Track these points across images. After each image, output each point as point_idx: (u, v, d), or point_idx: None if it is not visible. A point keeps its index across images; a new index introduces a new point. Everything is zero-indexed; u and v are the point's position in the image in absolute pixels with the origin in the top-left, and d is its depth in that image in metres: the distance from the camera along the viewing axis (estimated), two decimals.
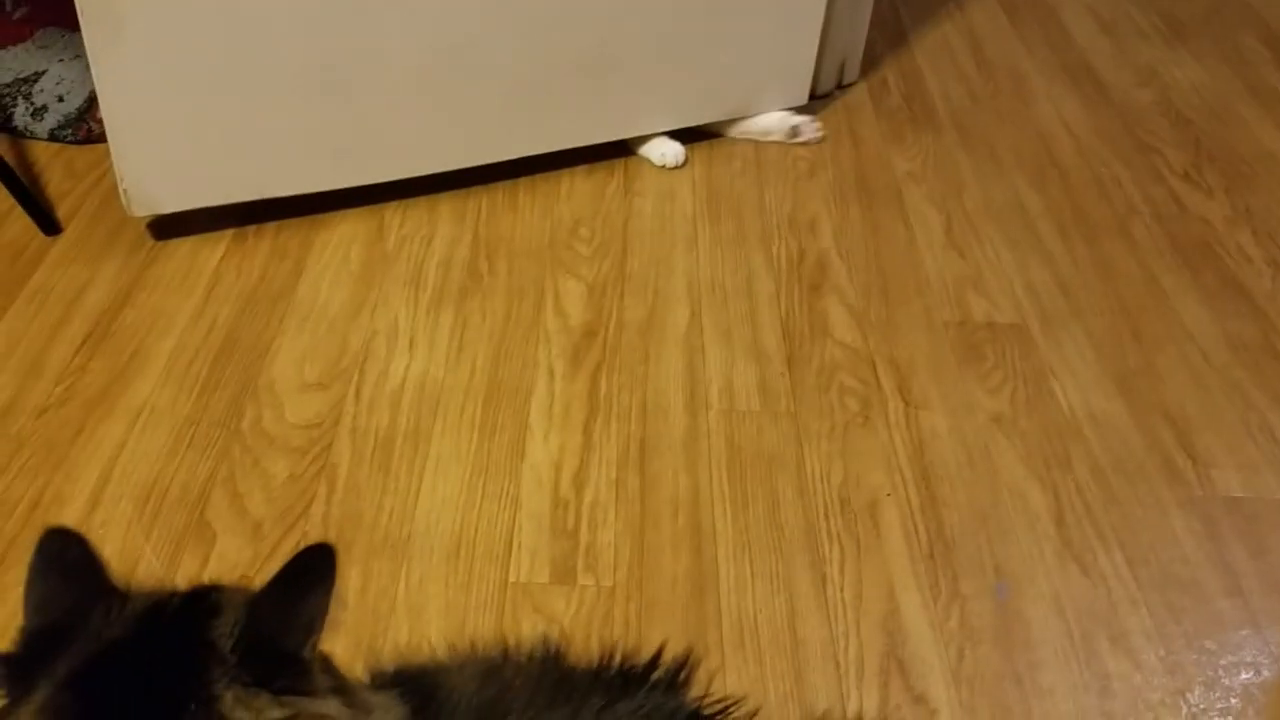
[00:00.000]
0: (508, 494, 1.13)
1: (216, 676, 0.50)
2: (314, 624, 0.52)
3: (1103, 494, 1.16)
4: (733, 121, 1.69)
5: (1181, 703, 0.97)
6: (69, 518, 1.07)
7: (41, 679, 0.51)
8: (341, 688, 0.55)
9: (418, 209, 1.53)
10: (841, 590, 1.05)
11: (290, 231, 1.46)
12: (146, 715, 0.49)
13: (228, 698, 0.50)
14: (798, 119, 1.68)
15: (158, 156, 1.35)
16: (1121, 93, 1.90)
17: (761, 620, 1.02)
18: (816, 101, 1.78)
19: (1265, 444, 1.23)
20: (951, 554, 1.09)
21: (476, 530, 1.09)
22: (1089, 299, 1.43)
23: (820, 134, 1.69)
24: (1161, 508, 1.15)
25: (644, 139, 1.64)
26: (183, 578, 1.02)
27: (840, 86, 1.83)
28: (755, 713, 0.79)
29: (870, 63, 1.90)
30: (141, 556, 1.04)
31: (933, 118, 1.79)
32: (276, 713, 0.50)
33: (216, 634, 0.52)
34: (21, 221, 1.43)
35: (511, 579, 1.04)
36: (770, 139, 1.69)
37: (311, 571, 0.53)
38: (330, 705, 0.53)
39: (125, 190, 1.36)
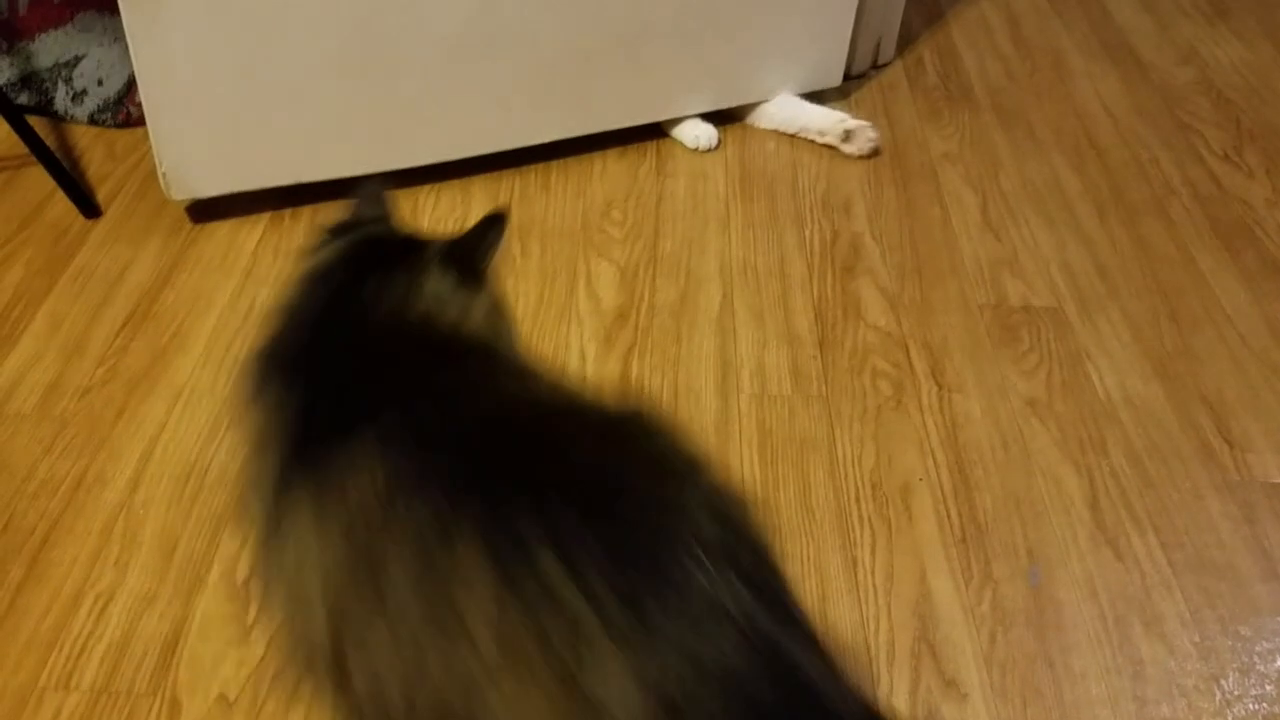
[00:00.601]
0: None
1: (426, 262, 0.78)
2: (490, 251, 0.81)
3: (1138, 478, 1.16)
4: (782, 117, 1.65)
5: (1215, 689, 0.97)
6: (111, 498, 1.09)
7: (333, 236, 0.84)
8: (498, 299, 0.82)
9: (451, 191, 1.53)
10: (872, 574, 1.05)
11: (326, 214, 1.47)
12: (383, 270, 0.78)
13: (432, 272, 0.78)
14: (855, 123, 1.61)
15: (196, 141, 1.37)
16: (1161, 71, 1.87)
17: None
18: (851, 82, 1.77)
19: None
20: (984, 538, 1.09)
21: None
22: (1126, 281, 1.41)
23: (874, 144, 1.61)
24: (1197, 492, 1.14)
25: (676, 121, 1.63)
26: (221, 559, 1.04)
27: (876, 66, 1.81)
28: None
29: (906, 41, 1.88)
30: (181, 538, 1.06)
31: (969, 97, 1.77)
32: (456, 292, 0.78)
33: (430, 250, 0.80)
34: (63, 204, 1.45)
35: None
36: (824, 140, 1.63)
37: (491, 222, 0.82)
38: (485, 301, 0.80)
39: (164, 174, 1.38)
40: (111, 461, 1.13)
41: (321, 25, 1.34)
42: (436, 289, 0.78)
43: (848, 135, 1.61)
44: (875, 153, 1.62)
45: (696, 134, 1.62)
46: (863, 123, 1.61)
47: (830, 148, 1.63)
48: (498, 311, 0.82)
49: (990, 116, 1.72)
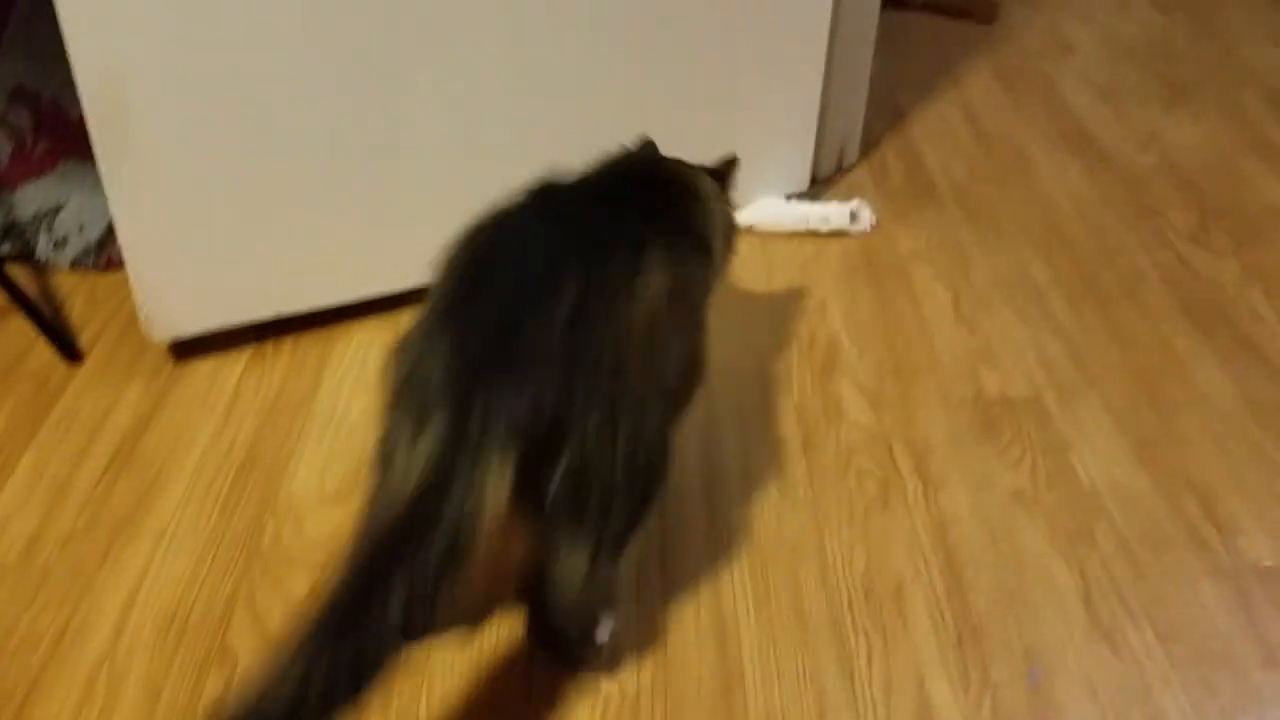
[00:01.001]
0: None
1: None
2: (732, 174, 1.22)
3: (1129, 568, 1.15)
4: (783, 217, 1.71)
5: None
6: (94, 648, 1.08)
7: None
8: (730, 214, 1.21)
9: None
10: (870, 684, 1.04)
11: (308, 343, 1.49)
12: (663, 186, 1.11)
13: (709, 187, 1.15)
14: (853, 201, 1.70)
15: (176, 280, 1.39)
16: (1123, 158, 1.92)
17: (790, 719, 1.01)
18: (818, 186, 1.80)
19: None
20: (980, 639, 1.08)
21: (497, 637, 1.08)
22: (1103, 368, 1.43)
23: (874, 216, 1.70)
24: (1190, 580, 1.14)
25: None
26: (206, 705, 1.02)
27: (841, 169, 1.85)
28: None
29: (869, 143, 1.92)
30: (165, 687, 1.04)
31: (935, 195, 1.81)
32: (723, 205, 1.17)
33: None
34: (45, 352, 1.46)
35: (534, 688, 1.04)
36: (829, 227, 1.69)
37: (731, 161, 1.23)
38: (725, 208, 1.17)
39: (145, 315, 1.39)
40: (94, 611, 1.12)
41: (298, 157, 1.37)
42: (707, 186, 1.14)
43: (854, 215, 1.68)
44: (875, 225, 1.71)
45: None
46: (857, 199, 1.70)
47: (838, 233, 1.69)
48: (729, 221, 1.19)
49: (956, 212, 1.75)
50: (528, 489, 0.82)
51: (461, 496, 0.78)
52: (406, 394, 0.87)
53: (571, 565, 0.89)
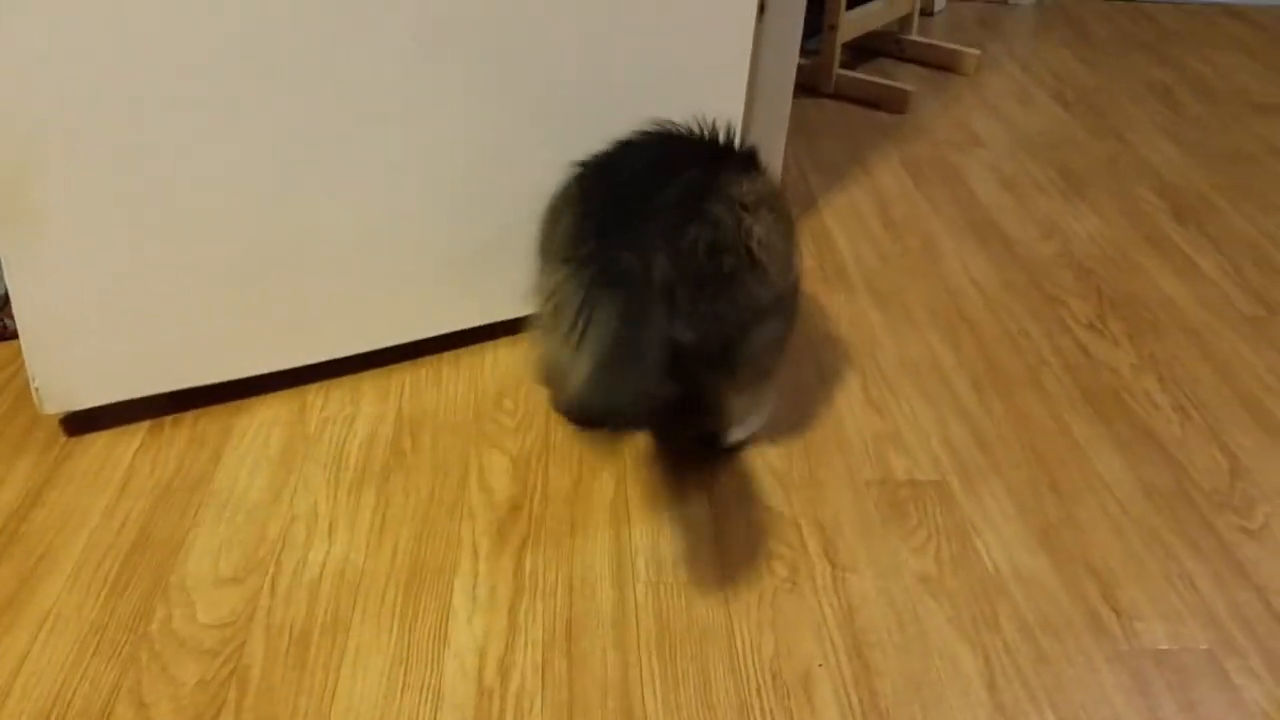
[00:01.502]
0: (429, 686, 1.09)
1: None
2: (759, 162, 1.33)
3: (1032, 653, 1.16)
4: None
5: None
6: None
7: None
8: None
9: (341, 389, 1.52)
10: None
11: (209, 419, 1.45)
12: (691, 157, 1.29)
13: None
14: None
15: (72, 352, 1.34)
16: (1026, 246, 1.98)
17: None
18: None
19: (1186, 593, 1.25)
20: None
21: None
22: (1006, 452, 1.45)
23: None
24: (1090, 664, 1.15)
25: None
26: None
27: None
28: None
29: None
30: None
31: (844, 278, 1.85)
32: (755, 184, 1.27)
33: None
34: None
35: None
36: None
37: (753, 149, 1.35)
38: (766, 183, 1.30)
39: (37, 388, 1.35)
40: None
41: (202, 235, 1.34)
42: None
43: None
44: None
45: None
46: None
47: None
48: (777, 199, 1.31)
49: (866, 297, 1.79)
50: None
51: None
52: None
53: (710, 392, 1.32)
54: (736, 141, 1.33)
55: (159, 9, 1.20)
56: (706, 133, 1.33)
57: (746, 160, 1.31)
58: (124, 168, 1.27)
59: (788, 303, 1.30)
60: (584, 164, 1.32)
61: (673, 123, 1.34)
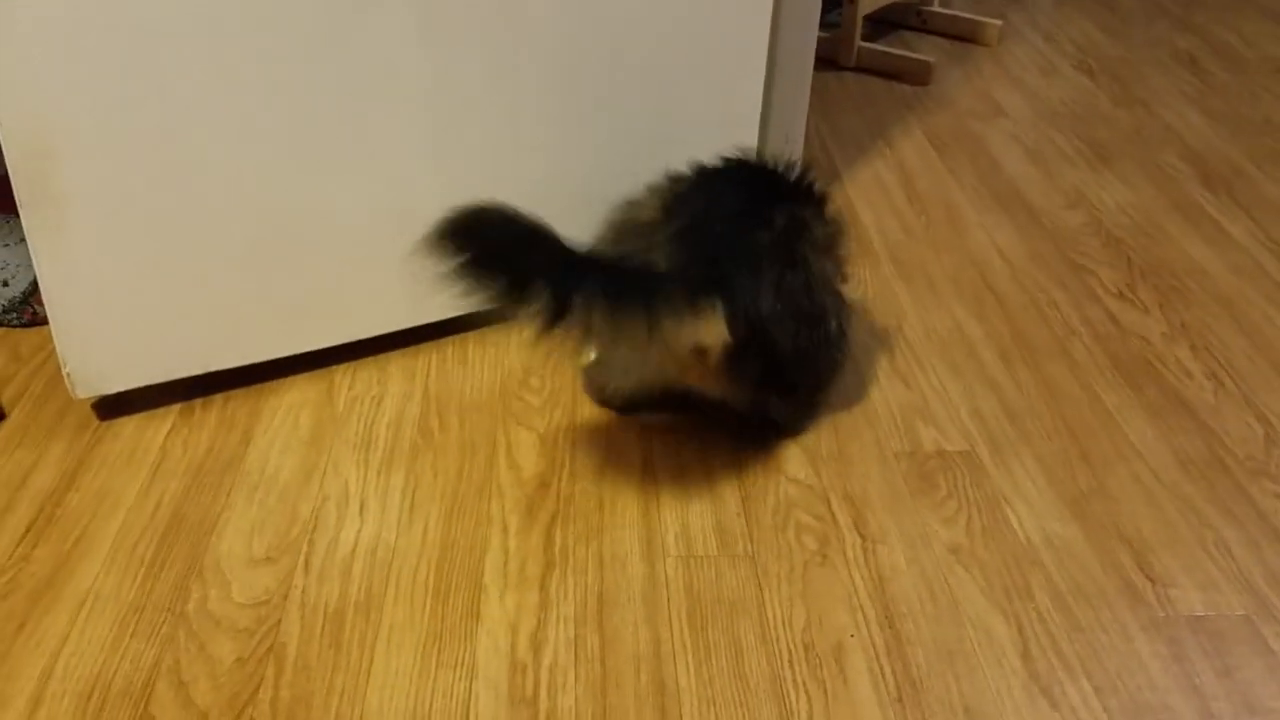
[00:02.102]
0: (463, 662, 1.10)
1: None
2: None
3: (1066, 622, 1.15)
4: None
5: None
6: None
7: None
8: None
9: (367, 369, 1.53)
10: None
11: (238, 401, 1.46)
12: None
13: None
14: None
15: (101, 337, 1.35)
16: (1051, 216, 1.96)
17: None
18: None
19: (1221, 560, 1.24)
20: (920, 696, 1.07)
21: (431, 704, 1.05)
22: (1035, 423, 1.44)
23: None
24: (1125, 632, 1.14)
25: None
26: None
27: None
28: None
29: None
30: None
31: (869, 252, 1.83)
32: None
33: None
34: None
35: None
36: None
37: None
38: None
39: (69, 373, 1.36)
40: (10, 682, 1.07)
41: (226, 219, 1.35)
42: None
43: None
44: None
45: None
46: None
47: None
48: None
49: (891, 270, 1.78)
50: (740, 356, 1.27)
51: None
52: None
53: (774, 403, 1.39)
54: (808, 178, 1.42)
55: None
56: (781, 168, 1.42)
57: (819, 201, 1.42)
58: (146, 152, 1.27)
59: (846, 330, 1.40)
60: (673, 188, 1.39)
61: (747, 156, 1.45)
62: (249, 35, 1.26)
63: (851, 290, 1.67)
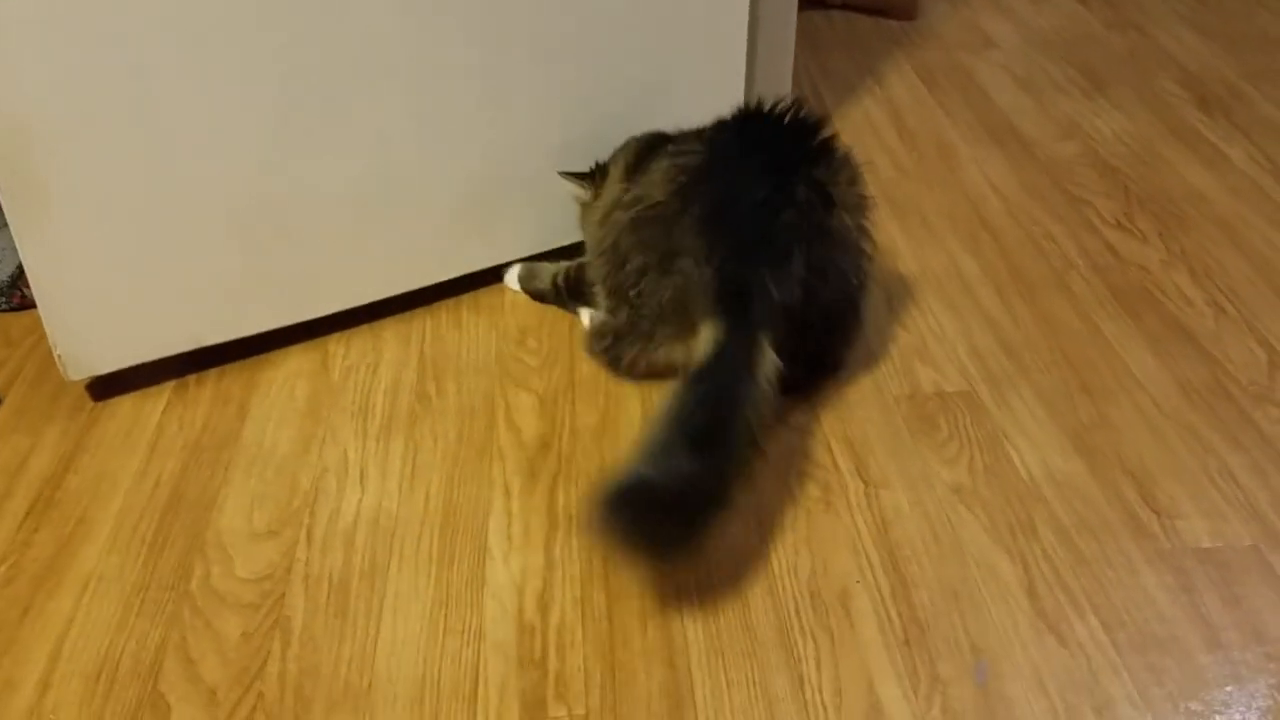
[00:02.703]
0: (470, 627, 1.10)
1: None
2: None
3: (1071, 557, 1.15)
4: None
5: None
6: (20, 704, 1.03)
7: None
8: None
9: (361, 337, 1.52)
10: (820, 690, 1.03)
11: (233, 375, 1.45)
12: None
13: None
14: None
15: (91, 318, 1.34)
16: (1046, 148, 1.94)
17: None
18: None
19: (1228, 489, 1.23)
20: (926, 637, 1.07)
21: (440, 670, 1.06)
22: (1034, 358, 1.43)
23: None
24: (1131, 565, 1.14)
25: None
26: None
27: None
28: None
29: None
30: None
31: None
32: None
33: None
34: None
35: (480, 719, 1.01)
36: None
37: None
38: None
39: (60, 356, 1.35)
40: (18, 666, 1.07)
41: (211, 192, 1.33)
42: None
43: None
44: None
45: None
46: None
47: None
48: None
49: (884, 209, 1.76)
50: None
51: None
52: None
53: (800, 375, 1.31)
54: (821, 132, 1.36)
55: None
56: (791, 119, 1.35)
57: (836, 156, 1.35)
58: (126, 130, 1.25)
59: (866, 283, 1.38)
60: (684, 160, 1.34)
61: (752, 109, 1.37)
62: (228, 9, 1.23)
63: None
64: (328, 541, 1.20)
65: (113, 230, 1.31)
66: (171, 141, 1.28)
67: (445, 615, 1.11)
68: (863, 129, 2.01)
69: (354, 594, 1.14)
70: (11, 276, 1.58)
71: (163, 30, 1.21)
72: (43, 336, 1.43)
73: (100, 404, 1.41)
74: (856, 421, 1.34)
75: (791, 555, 1.17)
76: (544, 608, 1.12)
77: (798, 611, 1.11)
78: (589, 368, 1.45)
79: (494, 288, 1.61)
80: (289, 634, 1.10)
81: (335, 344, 1.51)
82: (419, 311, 1.56)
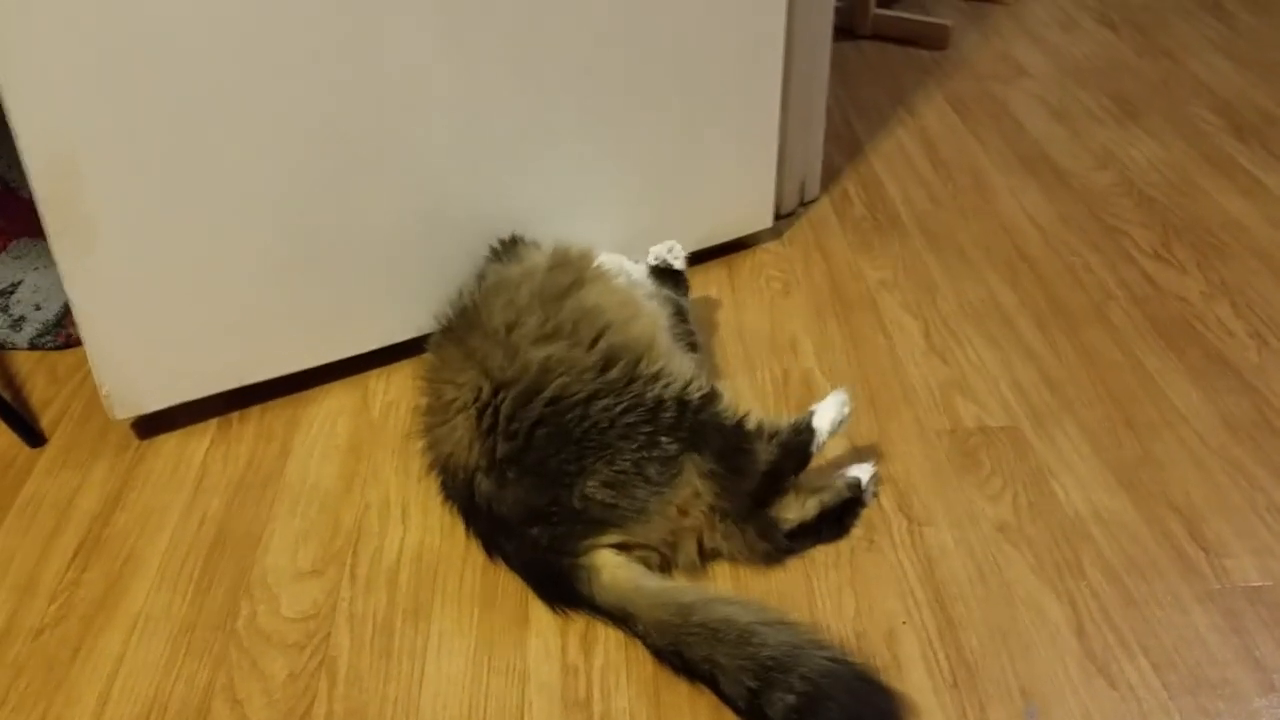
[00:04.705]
0: (514, 668, 1.10)
1: None
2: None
3: (1119, 596, 1.14)
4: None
5: None
6: None
7: None
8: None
9: (401, 373, 1.53)
10: None
11: (275, 412, 1.46)
12: None
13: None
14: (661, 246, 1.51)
15: (136, 357, 1.36)
16: (1081, 178, 1.93)
17: None
18: (781, 221, 1.80)
19: (1275, 524, 1.22)
20: (975, 680, 1.06)
21: (485, 711, 1.06)
22: (1077, 391, 1.42)
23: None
24: (1181, 605, 1.13)
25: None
26: None
27: (803, 203, 1.85)
28: None
29: (830, 176, 1.93)
30: None
31: (897, 224, 1.81)
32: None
33: None
34: (6, 436, 1.42)
35: None
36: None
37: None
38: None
39: (106, 394, 1.36)
40: (69, 706, 1.08)
41: (252, 229, 1.35)
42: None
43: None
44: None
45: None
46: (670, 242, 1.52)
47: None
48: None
49: (920, 241, 1.76)
50: None
51: None
52: None
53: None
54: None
55: (193, 11, 1.19)
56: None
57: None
58: (169, 171, 1.27)
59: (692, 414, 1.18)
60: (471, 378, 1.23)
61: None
62: (268, 49, 1.25)
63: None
64: (371, 580, 1.21)
65: (158, 269, 1.32)
66: (214, 180, 1.30)
67: (489, 655, 1.12)
68: (896, 160, 2.01)
69: (398, 634, 1.14)
70: (58, 315, 1.61)
71: (205, 71, 1.23)
72: (88, 375, 1.45)
73: (146, 441, 1.42)
74: (899, 457, 1.34)
75: (836, 595, 1.17)
76: (587, 648, 1.12)
77: (846, 651, 1.10)
78: None
79: None
80: (334, 674, 1.10)
81: (375, 380, 1.52)
82: None
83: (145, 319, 1.35)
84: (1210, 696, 1.03)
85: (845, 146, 2.05)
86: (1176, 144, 2.02)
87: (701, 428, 1.15)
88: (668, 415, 1.14)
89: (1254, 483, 1.27)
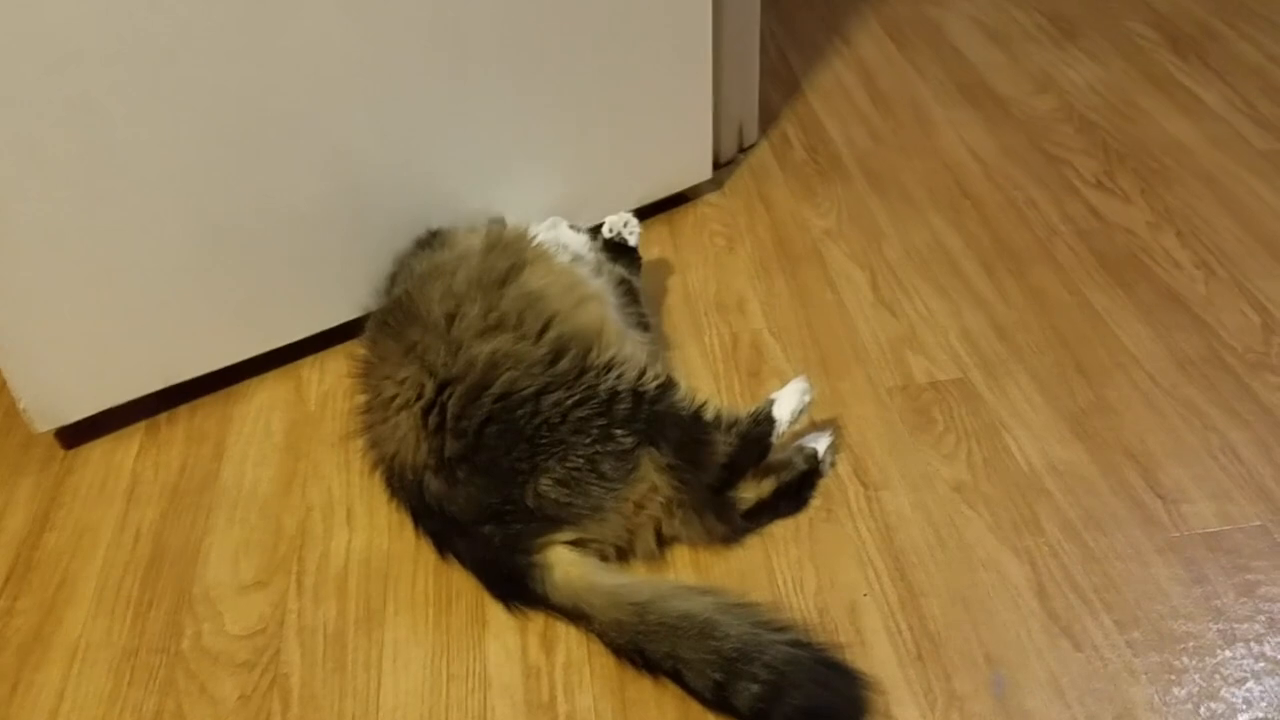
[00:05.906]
0: (474, 672, 1.07)
1: None
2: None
3: (1079, 552, 1.13)
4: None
5: None
6: None
7: None
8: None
9: (335, 359, 1.47)
10: None
11: (205, 411, 1.40)
12: None
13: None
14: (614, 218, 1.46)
15: (53, 367, 1.29)
16: (1021, 104, 1.89)
17: None
18: (721, 171, 1.75)
19: (1231, 466, 1.21)
20: (939, 650, 1.05)
21: None
22: (1026, 338, 1.40)
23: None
24: (1141, 557, 1.12)
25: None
26: None
27: (742, 150, 1.80)
28: None
29: (768, 118, 1.87)
30: None
31: (839, 166, 1.77)
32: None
33: None
34: None
35: None
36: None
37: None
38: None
39: (24, 408, 1.29)
40: None
41: (162, 222, 1.27)
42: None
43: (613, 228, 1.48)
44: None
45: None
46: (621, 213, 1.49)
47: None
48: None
49: (863, 184, 1.71)
50: None
51: None
52: None
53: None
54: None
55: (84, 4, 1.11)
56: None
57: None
58: (74, 171, 1.19)
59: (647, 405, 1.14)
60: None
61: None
62: (164, 31, 1.16)
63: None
64: (319, 589, 1.17)
65: (70, 274, 1.25)
66: (121, 178, 1.22)
67: (447, 661, 1.09)
68: (835, 96, 1.95)
69: (351, 644, 1.11)
70: None
71: (105, 65, 1.15)
72: (5, 389, 1.38)
73: (72, 452, 1.36)
74: (852, 419, 1.31)
75: (796, 570, 1.15)
76: (548, 646, 1.09)
77: (807, 630, 1.08)
78: None
79: None
80: (288, 694, 1.06)
81: (308, 369, 1.46)
82: None
83: (58, 324, 1.27)
84: (1175, 652, 1.03)
85: (782, 83, 1.99)
86: (1115, 62, 1.99)
87: (658, 419, 1.10)
88: (622, 407, 1.10)
89: (1207, 423, 1.27)
